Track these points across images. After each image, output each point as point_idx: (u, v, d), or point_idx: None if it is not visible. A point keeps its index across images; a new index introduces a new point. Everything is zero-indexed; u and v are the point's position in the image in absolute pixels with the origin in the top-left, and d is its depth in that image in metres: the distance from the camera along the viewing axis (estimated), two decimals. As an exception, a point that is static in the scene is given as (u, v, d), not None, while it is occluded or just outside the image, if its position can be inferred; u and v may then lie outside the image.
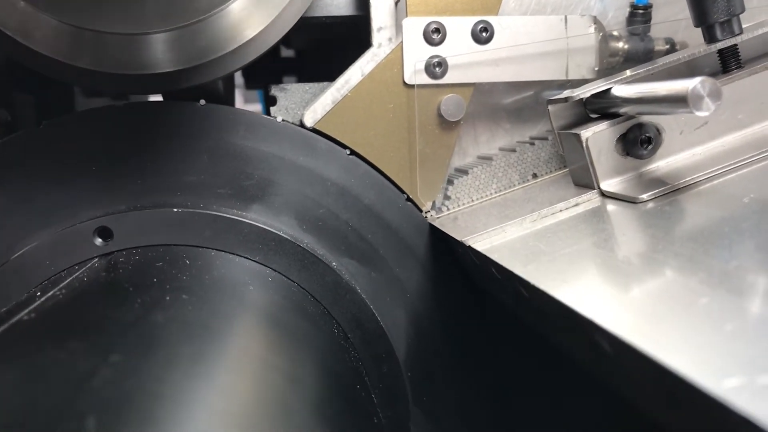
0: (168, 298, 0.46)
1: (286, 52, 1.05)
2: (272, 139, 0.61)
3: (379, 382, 0.62)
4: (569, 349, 0.42)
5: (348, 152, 0.63)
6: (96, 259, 0.57)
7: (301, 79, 0.92)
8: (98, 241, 0.57)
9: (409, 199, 0.64)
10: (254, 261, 0.59)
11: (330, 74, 0.65)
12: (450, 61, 0.61)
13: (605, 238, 0.45)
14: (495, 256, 0.47)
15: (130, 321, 0.41)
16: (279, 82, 0.93)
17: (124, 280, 0.52)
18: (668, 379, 0.27)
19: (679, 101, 0.43)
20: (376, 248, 0.63)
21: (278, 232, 0.60)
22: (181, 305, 0.45)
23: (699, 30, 0.54)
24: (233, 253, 0.59)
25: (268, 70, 1.04)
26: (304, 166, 0.62)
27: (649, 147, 0.52)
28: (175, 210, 0.58)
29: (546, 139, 0.65)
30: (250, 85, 1.16)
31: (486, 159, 0.65)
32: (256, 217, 0.61)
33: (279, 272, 0.59)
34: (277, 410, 0.38)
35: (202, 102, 0.60)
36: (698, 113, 0.42)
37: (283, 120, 0.62)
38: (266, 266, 0.59)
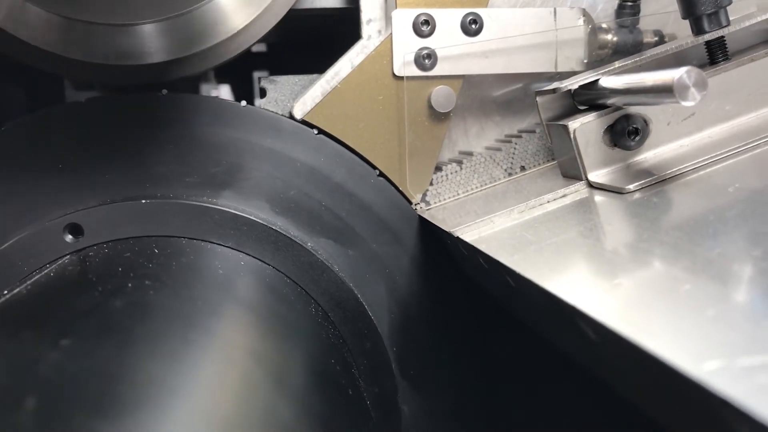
0: (131, 285, 0.46)
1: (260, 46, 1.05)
2: (237, 123, 0.61)
3: (363, 358, 0.62)
4: (556, 337, 0.42)
5: (315, 132, 0.62)
6: (67, 257, 0.57)
7: (279, 72, 0.92)
8: (69, 237, 0.57)
9: (381, 174, 0.64)
10: (226, 247, 0.59)
11: (310, 67, 0.66)
12: (439, 53, 0.61)
13: (591, 227, 0.45)
14: (482, 247, 0.47)
15: (87, 309, 0.41)
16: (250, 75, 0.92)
17: (89, 272, 0.52)
18: (650, 363, 0.27)
19: (665, 91, 0.44)
20: (351, 226, 0.63)
21: (250, 217, 0.59)
22: (145, 292, 0.45)
23: (687, 22, 0.55)
24: (205, 241, 0.58)
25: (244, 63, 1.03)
26: (272, 149, 0.61)
27: (637, 138, 0.52)
28: (144, 201, 0.58)
29: (534, 131, 0.65)
30: (220, 78, 1.13)
31: (474, 152, 0.66)
32: (226, 203, 0.61)
33: (253, 256, 0.59)
34: (243, 388, 0.38)
35: (164, 91, 0.60)
36: (684, 103, 0.42)
37: (246, 104, 0.62)
38: (239, 251, 0.59)
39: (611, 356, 0.33)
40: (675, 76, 0.42)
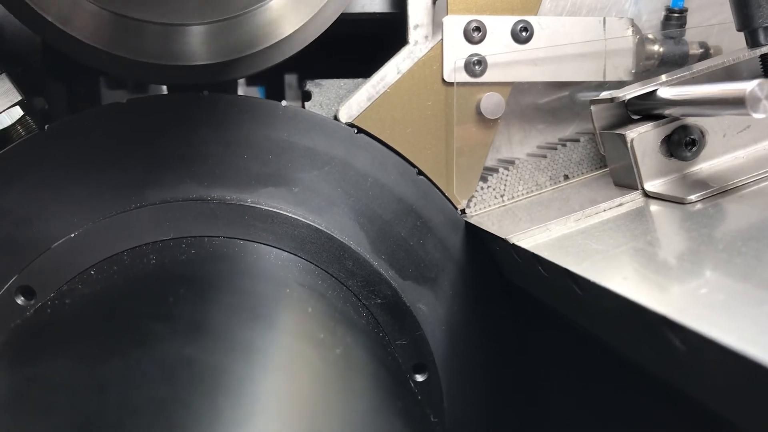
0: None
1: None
2: (116, 120, 0.59)
3: (350, 279, 0.61)
4: (627, 345, 0.42)
5: (206, 92, 0.60)
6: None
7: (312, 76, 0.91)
8: (21, 300, 0.57)
9: (287, 104, 0.61)
10: (167, 239, 0.58)
11: (350, 72, 0.65)
12: (489, 60, 0.61)
13: (659, 236, 0.45)
14: (545, 254, 0.47)
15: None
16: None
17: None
18: (756, 374, 0.27)
19: (734, 103, 0.44)
20: (284, 164, 0.61)
21: (178, 201, 0.58)
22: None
23: (731, 35, 0.55)
24: (144, 245, 0.57)
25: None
26: (166, 128, 0.59)
27: (693, 149, 0.53)
28: (74, 234, 0.57)
29: (578, 140, 0.65)
30: (251, 81, 1.12)
31: (517, 160, 0.65)
32: (154, 199, 0.59)
33: (197, 236, 0.58)
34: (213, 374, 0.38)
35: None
36: (755, 115, 0.43)
37: (128, 100, 0.60)
38: (182, 238, 0.58)
39: (702, 367, 0.33)
40: (747, 88, 0.42)
